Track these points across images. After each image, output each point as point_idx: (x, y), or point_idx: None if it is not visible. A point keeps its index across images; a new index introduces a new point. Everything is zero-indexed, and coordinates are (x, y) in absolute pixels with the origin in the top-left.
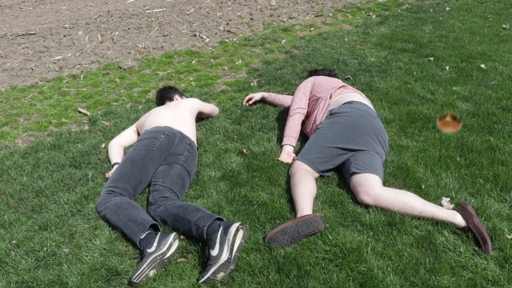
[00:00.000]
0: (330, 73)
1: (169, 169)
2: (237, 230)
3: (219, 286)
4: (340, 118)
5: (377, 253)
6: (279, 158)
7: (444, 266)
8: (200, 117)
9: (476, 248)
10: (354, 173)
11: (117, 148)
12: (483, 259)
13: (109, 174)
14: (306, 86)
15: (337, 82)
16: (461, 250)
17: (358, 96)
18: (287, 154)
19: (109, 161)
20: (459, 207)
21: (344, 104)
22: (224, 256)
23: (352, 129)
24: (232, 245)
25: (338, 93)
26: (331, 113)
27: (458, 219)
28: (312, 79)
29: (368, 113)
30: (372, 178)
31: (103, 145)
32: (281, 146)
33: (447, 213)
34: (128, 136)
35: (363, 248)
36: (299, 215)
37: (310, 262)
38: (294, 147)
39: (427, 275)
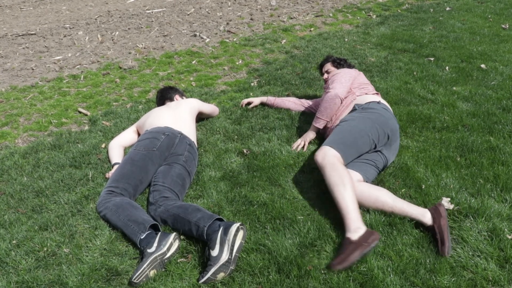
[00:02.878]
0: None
1: (169, 169)
2: (237, 231)
3: (219, 286)
4: (372, 114)
5: (377, 253)
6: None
7: (444, 266)
8: (200, 118)
9: (475, 249)
10: None
11: (117, 148)
12: (483, 259)
13: (109, 174)
14: (352, 75)
15: (372, 87)
16: (461, 250)
17: (382, 99)
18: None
19: (109, 161)
20: (433, 207)
21: (371, 102)
22: (224, 257)
23: (382, 129)
24: (232, 246)
25: (365, 92)
26: (362, 107)
27: (427, 217)
28: (356, 71)
29: (394, 116)
30: (351, 173)
31: (103, 145)
32: (312, 126)
33: (417, 211)
34: (128, 136)
35: None
36: (359, 233)
37: (310, 262)
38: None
39: (427, 275)
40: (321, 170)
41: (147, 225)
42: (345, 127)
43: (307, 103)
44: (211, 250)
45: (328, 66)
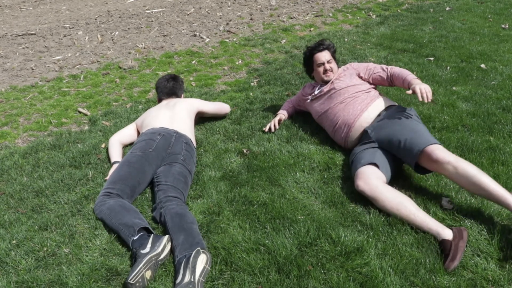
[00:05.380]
0: None
1: (169, 168)
2: (197, 253)
3: (220, 286)
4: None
5: (377, 253)
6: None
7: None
8: (207, 117)
9: (475, 249)
10: (358, 165)
11: (117, 146)
12: (483, 259)
13: (109, 173)
14: None
15: None
16: None
17: None
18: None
19: (108, 159)
20: (457, 227)
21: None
22: (186, 279)
23: None
24: (194, 268)
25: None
26: (411, 109)
27: (445, 233)
28: None
29: None
30: (378, 173)
31: (103, 145)
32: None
33: (437, 225)
34: (128, 133)
35: (363, 248)
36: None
37: (310, 262)
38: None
39: (427, 275)
40: (457, 164)
41: (136, 228)
42: (419, 125)
43: (291, 104)
44: (176, 280)
45: (330, 56)
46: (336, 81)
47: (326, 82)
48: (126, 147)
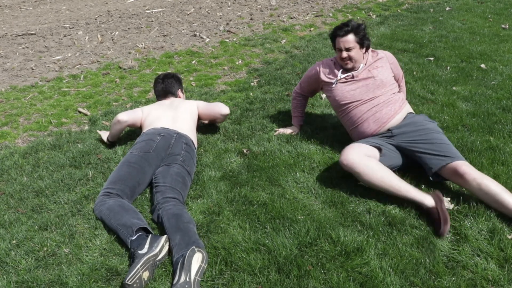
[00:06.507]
0: None
1: (168, 169)
2: (192, 251)
3: (220, 286)
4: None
5: (377, 253)
6: None
7: (443, 267)
8: (208, 121)
9: (475, 249)
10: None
11: (121, 130)
12: (483, 259)
13: (100, 132)
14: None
15: None
16: (461, 249)
17: None
18: None
19: (109, 138)
20: (433, 193)
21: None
22: (182, 279)
23: None
24: (189, 267)
25: None
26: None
27: (428, 200)
28: None
29: None
30: (372, 150)
31: (103, 145)
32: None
33: (420, 194)
34: (138, 117)
35: (363, 248)
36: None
37: (310, 262)
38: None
39: (427, 275)
40: (481, 181)
41: (134, 228)
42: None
43: (301, 92)
44: (173, 281)
45: (354, 43)
46: (373, 70)
47: (348, 70)
48: (126, 146)
